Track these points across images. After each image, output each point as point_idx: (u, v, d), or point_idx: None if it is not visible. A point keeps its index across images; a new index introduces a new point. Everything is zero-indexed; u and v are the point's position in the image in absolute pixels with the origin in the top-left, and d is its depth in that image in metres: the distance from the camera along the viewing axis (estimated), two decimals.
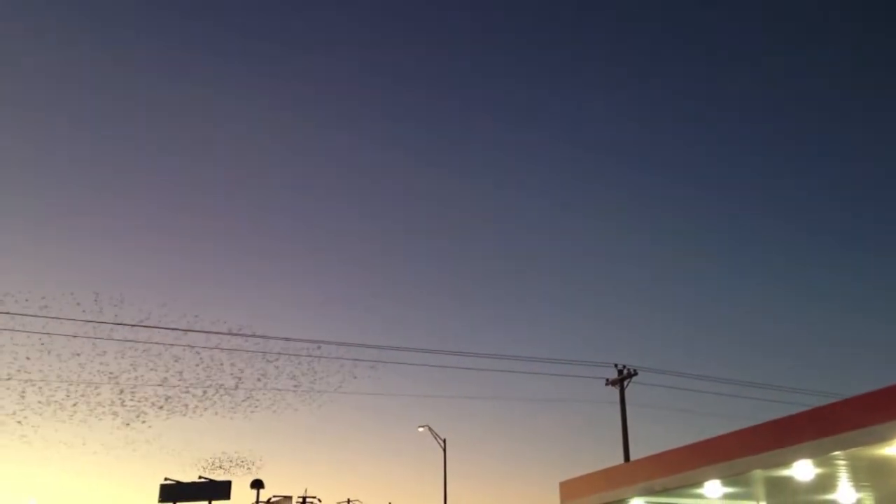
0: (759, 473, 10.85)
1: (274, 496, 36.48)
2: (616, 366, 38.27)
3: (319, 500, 43.47)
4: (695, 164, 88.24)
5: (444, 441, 46.61)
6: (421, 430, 47.33)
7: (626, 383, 37.59)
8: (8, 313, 31.92)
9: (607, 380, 38.33)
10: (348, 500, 65.73)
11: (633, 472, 12.84)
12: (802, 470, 10.16)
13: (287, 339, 66.92)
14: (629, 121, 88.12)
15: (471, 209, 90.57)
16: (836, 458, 10.00)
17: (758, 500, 13.62)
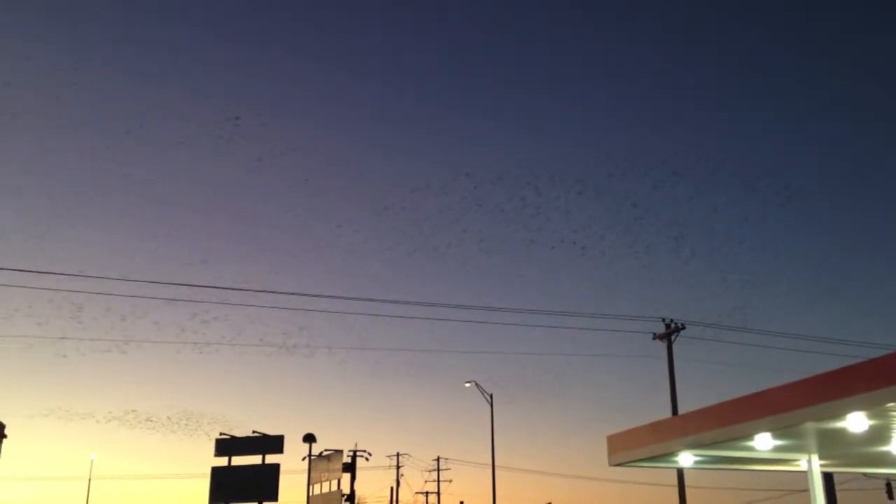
0: (810, 426, 10.73)
1: (325, 450, 37.26)
2: (663, 320, 38.01)
3: (370, 454, 44.32)
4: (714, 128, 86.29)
5: (491, 396, 46.94)
6: (468, 385, 47.73)
7: (673, 337, 37.33)
8: None
9: (655, 334, 38.10)
10: (398, 454, 66.86)
11: (681, 425, 12.78)
12: (856, 422, 10.02)
13: (340, 297, 67.61)
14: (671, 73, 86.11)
15: (502, 166, 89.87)
16: (890, 409, 9.85)
17: (809, 453, 13.49)
